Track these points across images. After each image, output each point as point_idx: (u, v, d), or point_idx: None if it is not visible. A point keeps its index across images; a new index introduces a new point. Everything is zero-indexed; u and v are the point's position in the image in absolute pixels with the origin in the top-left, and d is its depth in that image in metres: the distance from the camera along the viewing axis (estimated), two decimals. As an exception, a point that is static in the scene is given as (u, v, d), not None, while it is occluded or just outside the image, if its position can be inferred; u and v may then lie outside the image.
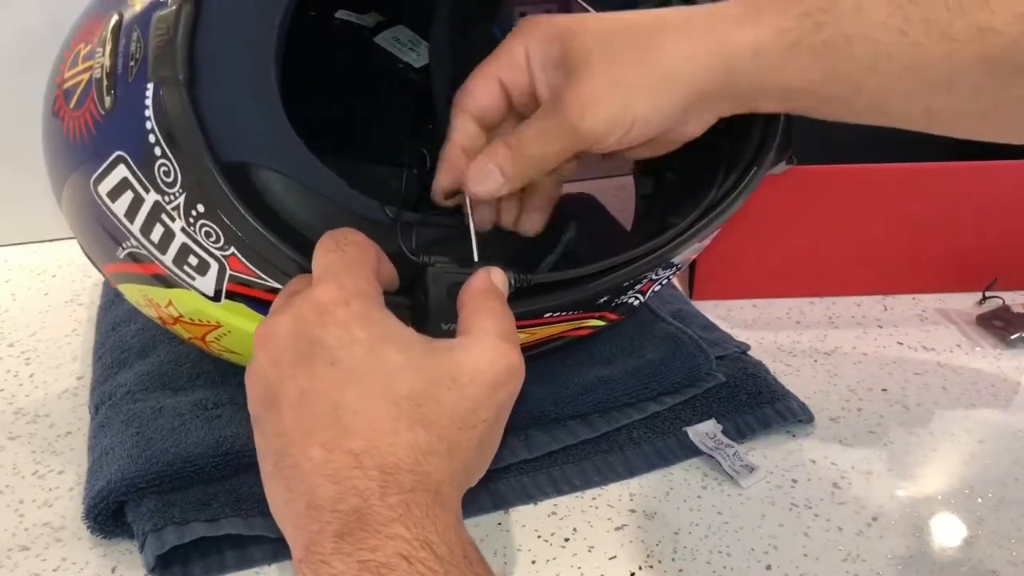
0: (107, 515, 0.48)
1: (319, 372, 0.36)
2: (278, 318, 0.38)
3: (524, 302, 0.44)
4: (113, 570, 0.47)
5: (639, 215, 0.58)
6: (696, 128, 0.45)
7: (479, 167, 0.45)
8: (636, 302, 0.52)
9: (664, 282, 0.53)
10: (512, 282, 0.43)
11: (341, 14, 0.63)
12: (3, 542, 0.49)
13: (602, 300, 0.49)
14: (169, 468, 0.48)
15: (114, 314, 0.64)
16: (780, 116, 0.50)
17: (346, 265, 0.39)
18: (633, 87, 0.42)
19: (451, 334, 0.39)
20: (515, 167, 0.44)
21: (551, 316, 0.48)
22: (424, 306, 0.42)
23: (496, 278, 0.41)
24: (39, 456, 0.55)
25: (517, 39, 0.45)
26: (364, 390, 0.36)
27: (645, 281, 0.49)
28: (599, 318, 0.52)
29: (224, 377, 0.57)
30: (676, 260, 0.49)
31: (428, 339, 0.38)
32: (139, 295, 0.50)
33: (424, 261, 0.43)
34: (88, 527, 0.48)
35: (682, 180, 0.55)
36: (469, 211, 0.46)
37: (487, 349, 0.37)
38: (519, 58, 0.45)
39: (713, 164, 0.51)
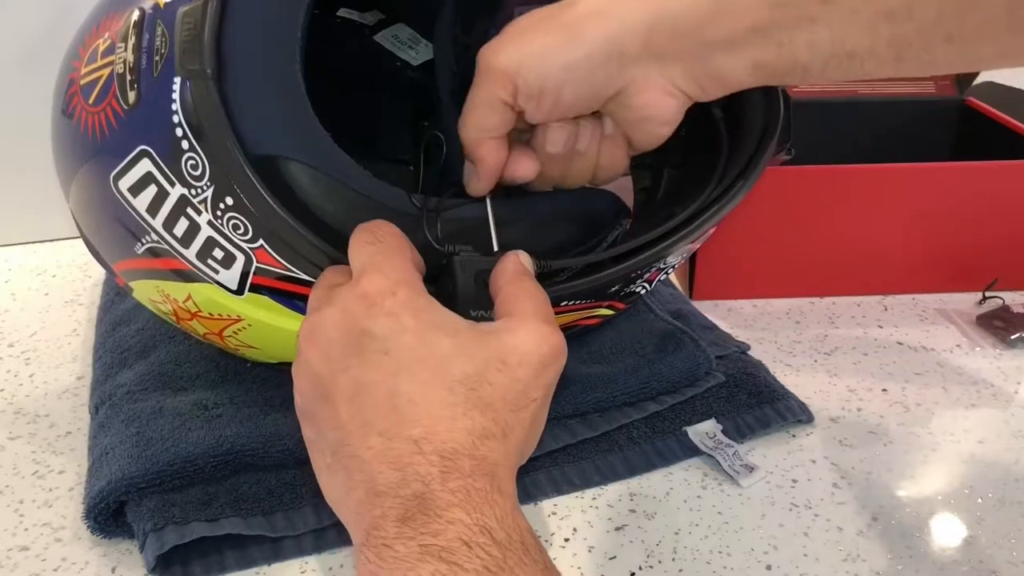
0: (107, 515, 0.48)
1: (372, 363, 0.36)
2: (324, 312, 0.38)
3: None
4: (113, 570, 0.47)
5: (638, 210, 0.58)
6: (655, 100, 0.44)
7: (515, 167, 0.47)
8: (643, 291, 0.53)
9: (669, 271, 0.53)
10: (536, 267, 0.43)
11: (343, 12, 0.64)
12: (3, 542, 0.49)
13: (614, 289, 0.49)
14: (169, 468, 0.48)
15: (114, 314, 0.64)
16: (780, 107, 0.50)
17: (387, 255, 0.39)
18: (551, 30, 0.43)
19: (480, 321, 0.40)
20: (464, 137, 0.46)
21: (566, 305, 0.48)
22: (452, 294, 0.42)
23: (524, 260, 0.42)
24: (39, 456, 0.55)
25: (488, 78, 0.44)
26: (418, 378, 0.36)
27: (654, 270, 0.50)
28: (608, 307, 0.52)
29: (224, 377, 0.57)
30: (683, 250, 0.49)
31: (474, 324, 0.39)
32: (155, 291, 0.50)
33: (450, 250, 0.43)
34: (88, 527, 0.48)
35: (681, 174, 0.56)
36: (488, 201, 0.47)
37: (532, 331, 0.38)
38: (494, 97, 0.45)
39: (712, 156, 0.51)
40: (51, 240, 0.80)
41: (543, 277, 0.45)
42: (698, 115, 0.54)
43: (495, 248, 0.45)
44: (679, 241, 0.47)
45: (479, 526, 0.33)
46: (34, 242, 0.80)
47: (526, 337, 0.38)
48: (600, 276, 0.47)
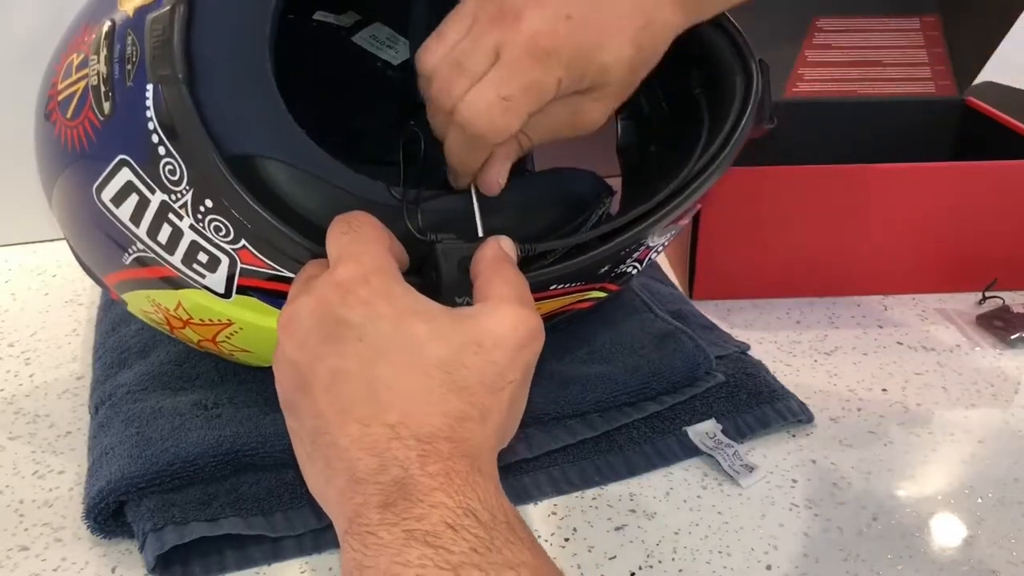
0: (107, 515, 0.48)
1: (348, 350, 0.37)
2: (300, 302, 0.38)
3: (531, 273, 0.44)
4: (113, 570, 0.47)
5: (625, 189, 0.58)
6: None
7: (500, 168, 0.46)
8: (634, 271, 0.53)
9: (659, 250, 0.54)
10: (519, 251, 0.43)
11: (319, 15, 0.63)
12: (3, 542, 0.49)
13: (603, 269, 0.50)
14: (169, 468, 0.48)
15: (114, 314, 0.64)
16: (758, 79, 0.50)
17: (361, 244, 0.39)
18: (631, 90, 0.46)
19: (464, 307, 0.40)
20: (521, 154, 0.47)
21: (556, 288, 0.48)
22: (436, 283, 0.42)
23: (505, 245, 0.43)
24: (39, 456, 0.55)
25: (550, 72, 0.43)
26: (394, 363, 0.36)
27: (643, 248, 0.50)
28: (600, 289, 0.53)
29: (224, 377, 0.57)
30: (672, 225, 0.50)
31: (449, 309, 0.39)
32: (146, 301, 0.50)
33: (432, 239, 0.43)
34: (88, 527, 0.48)
35: (665, 150, 0.56)
36: (473, 189, 0.47)
37: (507, 314, 0.38)
38: (552, 94, 0.43)
39: (695, 130, 0.52)
40: (51, 240, 0.80)
41: (528, 261, 0.45)
42: (680, 92, 0.54)
43: (480, 234, 0.45)
44: (663, 218, 0.48)
45: (463, 508, 0.33)
46: (34, 242, 0.80)
47: (502, 320, 0.38)
48: (587, 257, 0.47)
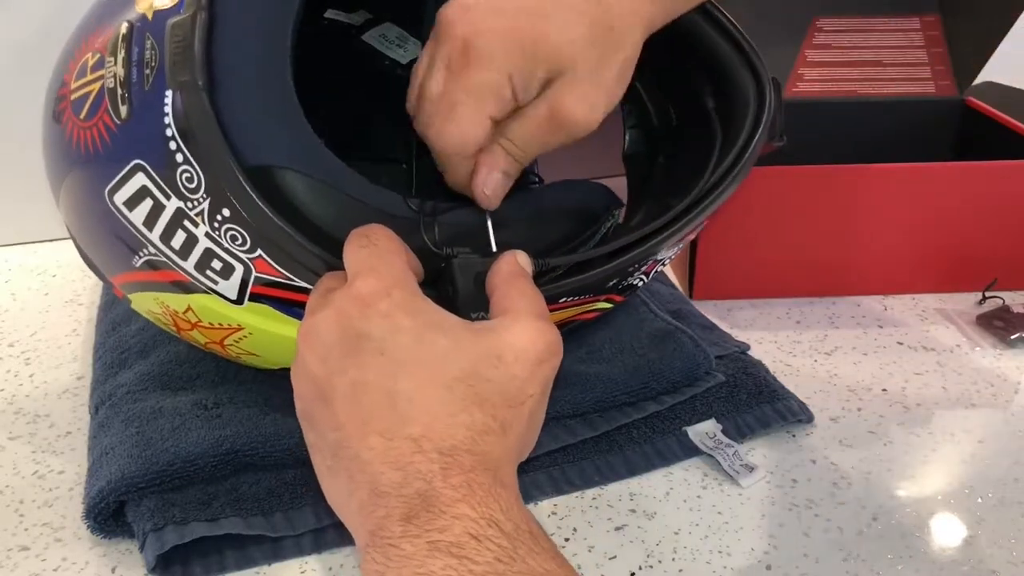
0: (107, 515, 0.48)
1: (368, 363, 0.37)
2: (320, 315, 0.38)
3: (542, 287, 0.44)
4: (113, 570, 0.47)
5: (633, 200, 0.58)
6: None
7: (486, 179, 0.46)
8: (640, 283, 0.53)
9: (665, 262, 0.54)
10: (535, 266, 0.44)
11: (330, 13, 0.63)
12: (3, 542, 0.49)
13: (612, 283, 0.49)
14: (169, 468, 0.48)
15: (114, 314, 0.64)
16: (770, 96, 0.50)
17: (380, 257, 0.40)
18: (611, 78, 0.45)
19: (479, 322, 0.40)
20: (517, 166, 0.46)
21: (565, 301, 0.48)
22: (452, 297, 0.42)
23: (522, 260, 0.43)
24: (39, 456, 0.55)
25: (493, 68, 0.43)
26: (415, 376, 0.36)
27: (650, 262, 0.50)
28: (606, 300, 0.53)
29: (224, 377, 0.57)
30: (681, 240, 0.50)
31: (469, 323, 0.39)
32: (154, 303, 0.50)
33: (448, 253, 0.43)
34: (88, 527, 0.48)
35: (675, 164, 0.56)
36: None
37: (526, 328, 0.38)
38: (506, 91, 0.43)
39: (707, 145, 0.52)
40: (51, 240, 0.80)
41: (542, 275, 0.45)
42: (691, 106, 0.54)
43: (494, 249, 0.45)
44: (675, 234, 0.48)
45: (486, 519, 0.33)
46: (34, 242, 0.80)
47: (521, 334, 0.38)
48: (599, 271, 0.47)
